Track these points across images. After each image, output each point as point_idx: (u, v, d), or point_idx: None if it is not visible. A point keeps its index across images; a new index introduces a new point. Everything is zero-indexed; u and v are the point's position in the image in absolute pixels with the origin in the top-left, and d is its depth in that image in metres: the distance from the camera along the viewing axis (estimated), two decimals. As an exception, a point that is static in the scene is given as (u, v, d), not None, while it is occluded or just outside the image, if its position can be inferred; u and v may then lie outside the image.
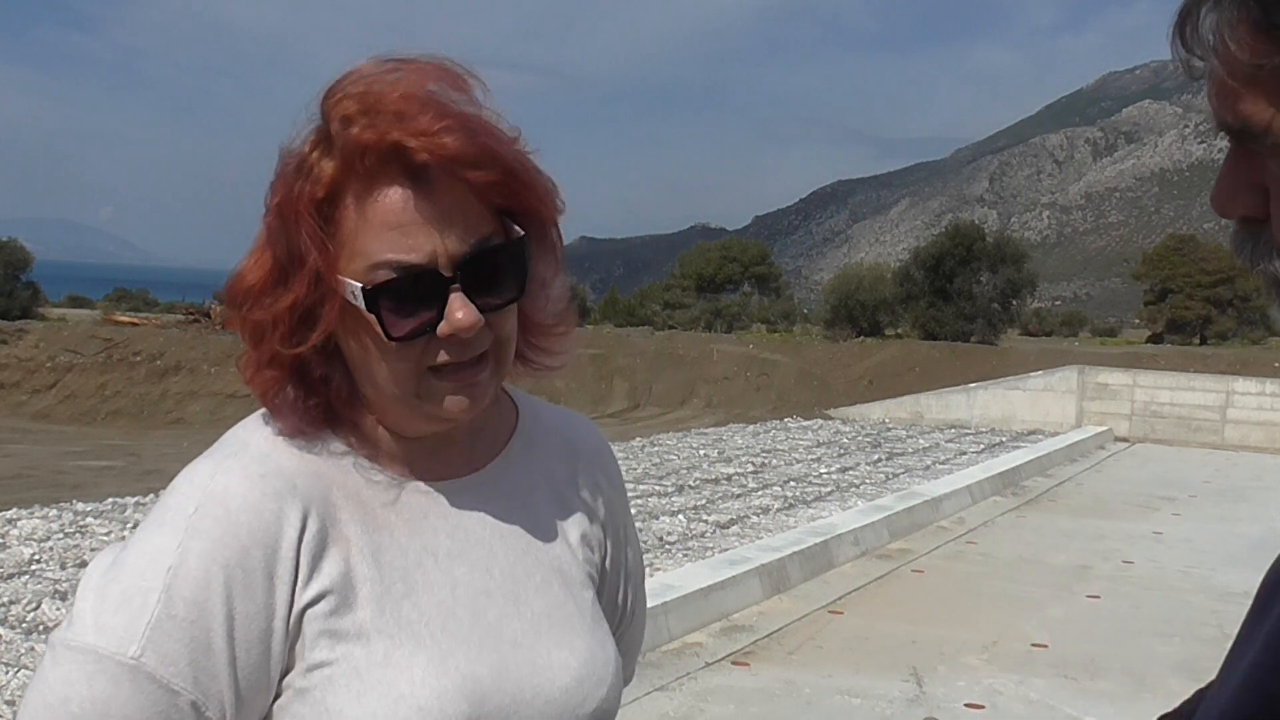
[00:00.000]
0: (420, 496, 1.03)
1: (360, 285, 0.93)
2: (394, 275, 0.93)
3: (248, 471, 0.96)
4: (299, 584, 0.95)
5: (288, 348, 0.95)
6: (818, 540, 7.85)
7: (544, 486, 1.11)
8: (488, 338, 0.98)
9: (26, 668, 4.59)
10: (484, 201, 0.97)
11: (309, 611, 0.95)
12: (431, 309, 0.95)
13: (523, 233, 0.99)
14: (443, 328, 0.95)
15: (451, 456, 1.06)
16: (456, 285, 0.95)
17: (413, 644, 0.97)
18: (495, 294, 0.97)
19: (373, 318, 0.94)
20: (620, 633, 1.20)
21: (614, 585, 1.18)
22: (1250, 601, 0.80)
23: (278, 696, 0.95)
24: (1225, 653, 0.81)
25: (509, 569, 1.04)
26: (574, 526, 1.12)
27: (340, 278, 0.94)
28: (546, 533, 1.09)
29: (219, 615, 0.91)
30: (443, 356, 0.96)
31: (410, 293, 0.94)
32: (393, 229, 0.93)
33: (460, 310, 0.94)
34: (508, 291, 0.98)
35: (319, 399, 0.99)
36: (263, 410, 1.03)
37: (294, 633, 0.95)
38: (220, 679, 0.91)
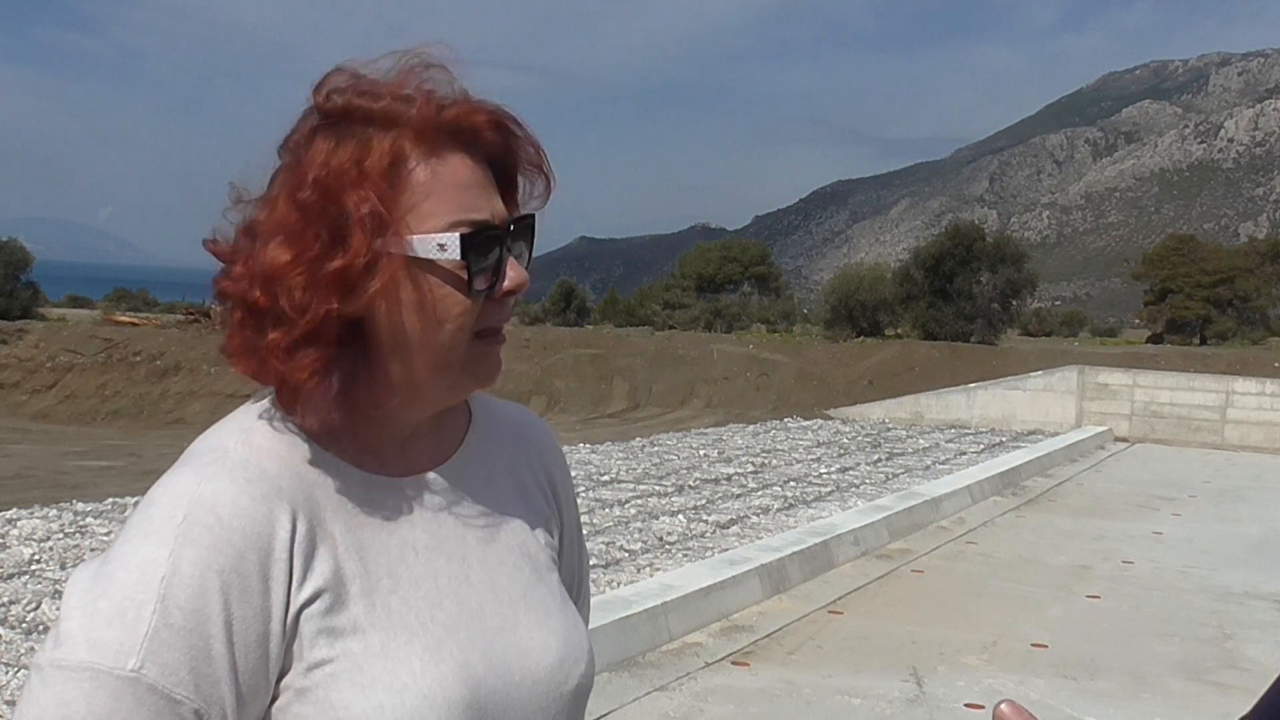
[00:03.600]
0: (394, 493, 1.04)
1: (456, 235, 0.96)
2: (471, 230, 0.97)
3: (234, 477, 0.95)
4: (294, 585, 0.95)
5: (347, 305, 0.95)
6: (818, 540, 7.85)
7: (504, 476, 1.14)
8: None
9: (26, 668, 4.58)
10: (512, 170, 1.03)
11: (305, 611, 0.95)
12: (493, 266, 0.99)
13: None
14: (505, 284, 0.99)
15: (419, 452, 1.07)
16: (508, 245, 1.00)
17: (407, 635, 0.98)
18: (520, 263, 1.03)
19: (464, 268, 0.96)
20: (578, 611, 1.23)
21: (569, 566, 1.21)
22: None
23: (275, 699, 0.95)
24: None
25: (483, 557, 1.07)
26: (535, 513, 1.15)
27: (411, 236, 0.95)
28: (512, 520, 1.11)
29: (217, 621, 0.90)
30: (486, 318, 1.00)
31: (484, 248, 0.98)
32: (461, 189, 0.97)
33: (514, 269, 1.00)
34: (524, 262, 1.03)
35: (350, 393, 0.99)
36: (234, 416, 1.02)
37: (291, 634, 0.95)
38: (222, 685, 0.91)
